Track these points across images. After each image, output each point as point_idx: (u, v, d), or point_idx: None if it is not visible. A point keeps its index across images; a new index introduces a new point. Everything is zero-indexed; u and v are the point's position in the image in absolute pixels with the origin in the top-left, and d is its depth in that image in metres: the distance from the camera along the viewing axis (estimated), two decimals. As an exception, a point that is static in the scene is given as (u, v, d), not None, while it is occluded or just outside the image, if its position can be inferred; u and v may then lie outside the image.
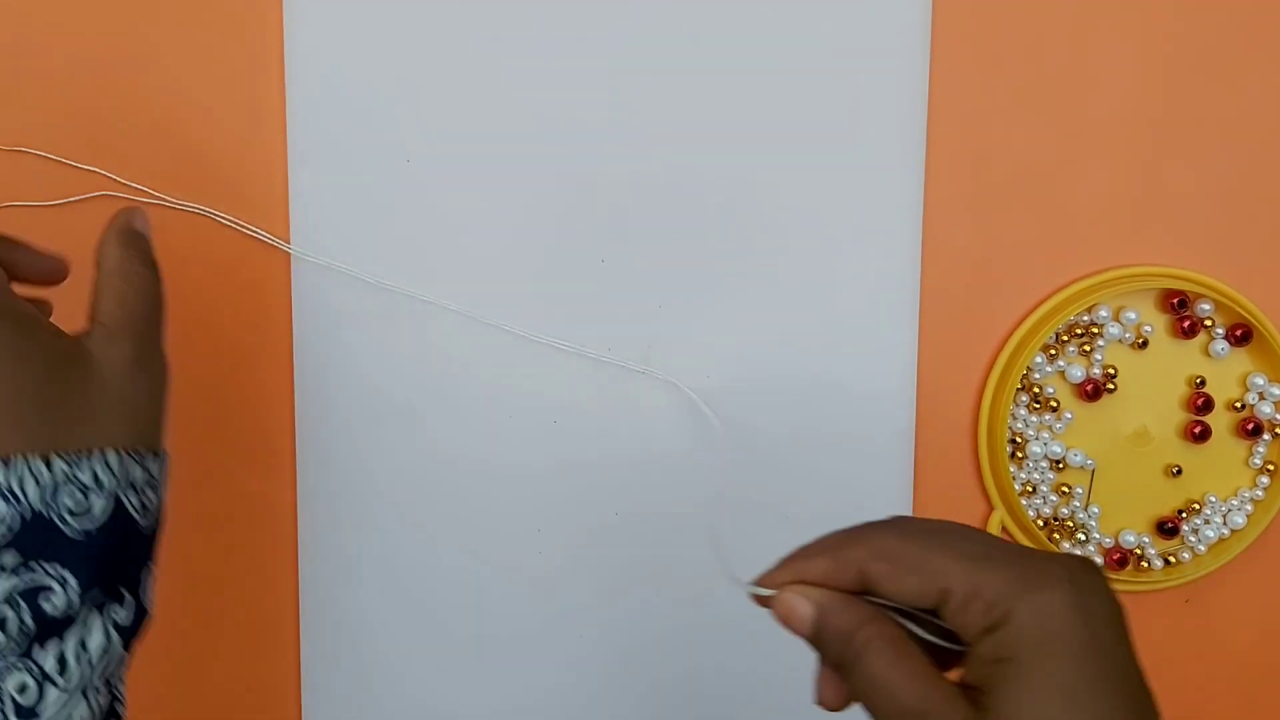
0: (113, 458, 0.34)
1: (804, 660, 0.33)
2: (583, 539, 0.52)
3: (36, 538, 0.32)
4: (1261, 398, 0.53)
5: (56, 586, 0.32)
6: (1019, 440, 0.53)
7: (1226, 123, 0.52)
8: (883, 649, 0.30)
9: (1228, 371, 0.53)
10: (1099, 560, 0.54)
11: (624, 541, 0.53)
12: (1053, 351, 0.53)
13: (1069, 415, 0.53)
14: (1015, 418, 0.53)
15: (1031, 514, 0.53)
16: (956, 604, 0.29)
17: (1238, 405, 0.53)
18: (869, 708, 0.31)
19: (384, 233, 0.50)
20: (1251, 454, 0.54)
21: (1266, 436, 0.53)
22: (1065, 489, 0.53)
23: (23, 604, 0.31)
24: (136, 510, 0.35)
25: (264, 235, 0.51)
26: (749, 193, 0.51)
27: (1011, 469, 0.52)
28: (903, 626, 0.31)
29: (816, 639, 0.32)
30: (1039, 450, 0.53)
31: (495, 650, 0.53)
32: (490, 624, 0.52)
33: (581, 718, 0.53)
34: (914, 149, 0.51)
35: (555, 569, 0.52)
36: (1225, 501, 0.54)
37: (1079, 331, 0.52)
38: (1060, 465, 0.53)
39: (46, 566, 0.32)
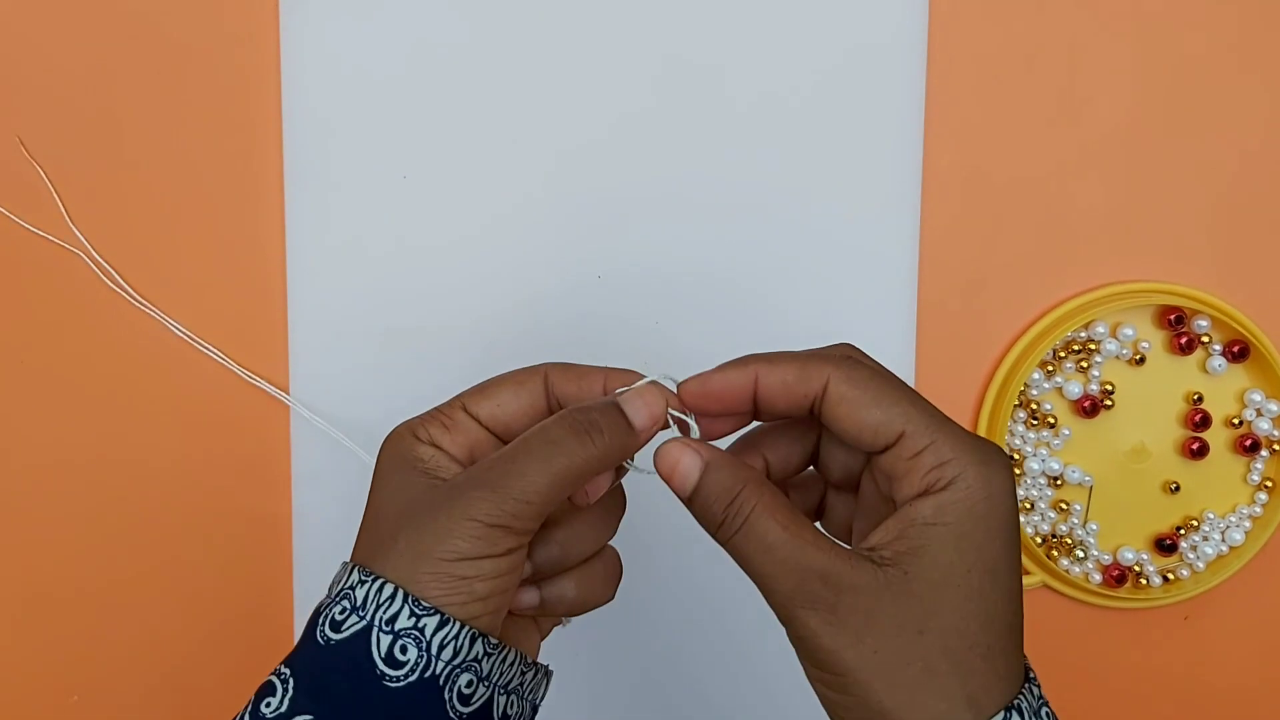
0: None
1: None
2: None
3: None
4: (1259, 414, 0.53)
5: None
6: (1017, 457, 0.53)
7: (1223, 139, 0.52)
8: (774, 509, 0.29)
9: (1225, 388, 0.53)
10: (1098, 578, 0.53)
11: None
12: (1050, 368, 0.53)
13: (1067, 432, 0.53)
14: (1013, 434, 0.53)
15: (1030, 530, 0.53)
16: (908, 451, 0.28)
17: (1235, 421, 0.53)
18: (756, 574, 0.29)
19: (380, 249, 0.50)
20: (1249, 470, 0.54)
21: (1264, 453, 0.53)
22: (1063, 505, 0.53)
23: None
24: None
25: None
26: (745, 208, 0.51)
27: (1009, 485, 0.52)
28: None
29: (694, 498, 0.30)
30: (1037, 467, 0.53)
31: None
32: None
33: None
34: (911, 165, 0.51)
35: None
36: (1224, 518, 0.54)
37: (1076, 348, 0.52)
38: (1058, 482, 0.53)
39: None
